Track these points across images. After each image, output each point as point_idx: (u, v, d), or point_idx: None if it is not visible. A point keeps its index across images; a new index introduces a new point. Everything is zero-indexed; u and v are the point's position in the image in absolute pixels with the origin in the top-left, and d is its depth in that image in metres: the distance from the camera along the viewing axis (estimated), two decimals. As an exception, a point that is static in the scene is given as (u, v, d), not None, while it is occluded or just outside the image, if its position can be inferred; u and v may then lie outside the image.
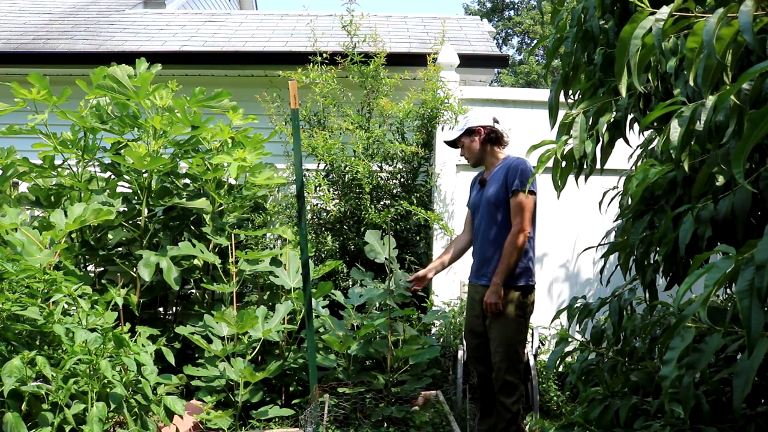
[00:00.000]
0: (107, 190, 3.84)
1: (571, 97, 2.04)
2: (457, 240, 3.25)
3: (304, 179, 4.28)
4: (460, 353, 3.58)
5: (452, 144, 3.13)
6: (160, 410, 2.79)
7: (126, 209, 3.87)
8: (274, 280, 3.64)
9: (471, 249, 3.14)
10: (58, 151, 3.70)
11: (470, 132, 3.01)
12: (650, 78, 1.60)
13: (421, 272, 3.15)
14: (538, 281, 4.46)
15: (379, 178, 4.43)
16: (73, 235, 3.70)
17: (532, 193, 2.85)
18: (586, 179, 1.92)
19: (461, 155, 3.11)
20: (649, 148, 2.22)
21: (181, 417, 2.95)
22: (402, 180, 4.54)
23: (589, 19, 1.78)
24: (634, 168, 2.25)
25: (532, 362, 3.56)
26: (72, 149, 3.72)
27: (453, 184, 4.38)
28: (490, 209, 2.91)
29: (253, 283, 4.08)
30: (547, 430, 3.07)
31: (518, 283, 2.85)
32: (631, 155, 2.35)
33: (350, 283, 4.30)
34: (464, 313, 3.20)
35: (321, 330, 3.56)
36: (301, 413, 3.17)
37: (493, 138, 3.00)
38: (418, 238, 4.47)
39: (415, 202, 4.36)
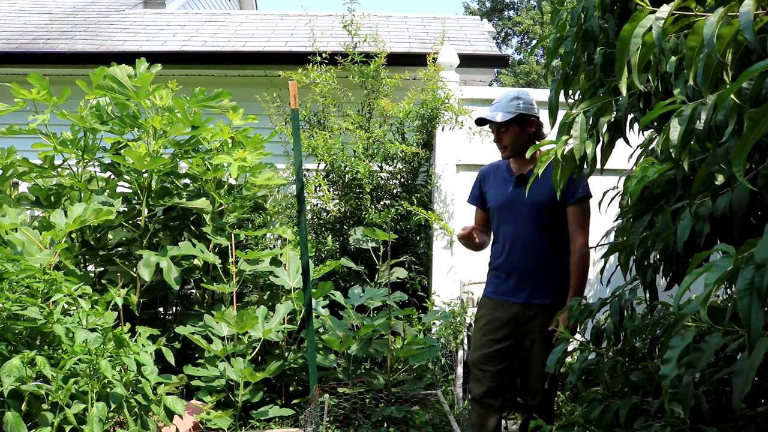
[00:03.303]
0: (107, 190, 3.84)
1: (571, 97, 2.04)
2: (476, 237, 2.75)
3: (304, 179, 4.28)
4: (461, 353, 3.58)
5: (482, 122, 2.60)
6: (160, 410, 2.79)
7: (126, 209, 3.87)
8: (274, 280, 3.64)
9: (496, 257, 2.64)
10: (58, 151, 3.70)
11: (522, 120, 2.51)
12: (650, 78, 1.60)
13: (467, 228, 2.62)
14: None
15: (380, 178, 4.43)
16: (73, 235, 3.70)
17: (590, 197, 2.52)
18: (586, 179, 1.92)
19: (496, 140, 2.58)
20: (650, 147, 2.22)
21: (181, 417, 2.95)
22: (402, 180, 4.54)
23: (589, 18, 1.78)
24: (634, 168, 2.25)
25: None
26: (72, 149, 3.72)
27: (453, 185, 4.38)
28: (539, 214, 2.48)
29: (253, 283, 4.08)
30: (548, 431, 3.05)
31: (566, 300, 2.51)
32: (631, 155, 2.34)
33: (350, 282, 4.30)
34: (475, 330, 2.66)
35: (321, 330, 3.56)
36: (301, 413, 3.17)
37: (540, 134, 2.58)
38: (418, 238, 4.47)
39: (415, 202, 4.36)
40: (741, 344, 1.48)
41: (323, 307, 3.66)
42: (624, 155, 2.38)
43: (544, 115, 2.13)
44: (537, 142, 2.54)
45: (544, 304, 2.47)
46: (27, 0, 7.51)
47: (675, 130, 1.31)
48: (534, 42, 21.35)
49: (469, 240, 2.61)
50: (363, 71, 4.58)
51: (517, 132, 2.52)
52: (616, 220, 2.28)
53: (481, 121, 2.59)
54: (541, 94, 4.48)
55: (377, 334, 3.54)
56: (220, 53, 5.44)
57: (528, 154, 1.95)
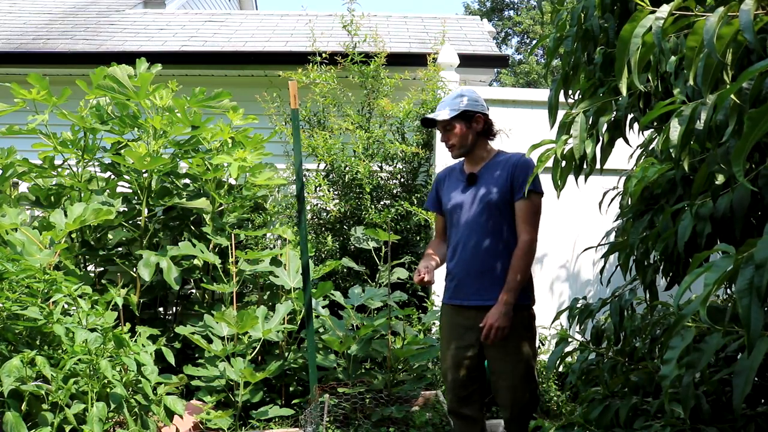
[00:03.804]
0: (107, 190, 3.84)
1: (571, 96, 2.04)
2: (434, 245, 2.67)
3: (305, 179, 4.28)
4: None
5: (431, 123, 2.53)
6: (160, 410, 2.79)
7: (126, 209, 3.87)
8: (274, 280, 3.64)
9: (449, 260, 2.54)
10: (58, 151, 3.70)
11: (467, 117, 2.43)
12: (650, 77, 1.61)
13: (428, 266, 2.48)
14: (537, 282, 4.45)
15: (380, 178, 4.43)
16: (73, 235, 3.70)
17: (541, 194, 2.40)
18: (586, 179, 1.92)
19: (444, 140, 2.50)
20: (650, 147, 2.22)
21: (181, 417, 2.96)
22: (402, 180, 4.54)
23: (589, 18, 1.78)
24: (634, 168, 2.25)
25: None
26: (72, 149, 3.72)
27: (453, 184, 4.37)
28: (489, 212, 2.37)
29: (253, 283, 4.08)
30: (547, 430, 3.05)
31: (527, 301, 2.38)
32: (631, 155, 2.35)
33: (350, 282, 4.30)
34: (440, 340, 2.55)
35: (321, 330, 3.56)
36: (301, 413, 3.17)
37: (488, 130, 2.49)
38: (418, 238, 4.47)
39: (415, 202, 4.36)
40: (741, 344, 1.48)
41: (323, 307, 3.66)
42: (624, 155, 2.38)
43: (544, 115, 2.12)
44: (489, 141, 2.51)
45: None
46: (27, 0, 7.51)
47: (675, 130, 1.31)
48: (534, 42, 21.34)
49: (429, 277, 2.42)
50: (363, 71, 4.58)
51: (463, 130, 2.43)
52: (616, 220, 2.28)
53: (427, 122, 2.53)
54: (541, 94, 4.48)
55: (377, 334, 3.54)
56: (220, 53, 5.44)
57: (527, 154, 1.94)
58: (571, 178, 1.85)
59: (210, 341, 3.43)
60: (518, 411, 2.36)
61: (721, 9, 1.13)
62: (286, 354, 3.61)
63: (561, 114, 1.89)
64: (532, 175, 1.91)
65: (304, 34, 5.66)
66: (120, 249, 3.95)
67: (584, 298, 2.17)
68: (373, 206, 4.32)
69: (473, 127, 2.44)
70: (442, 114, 2.43)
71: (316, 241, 4.30)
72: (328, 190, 4.39)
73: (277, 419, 3.38)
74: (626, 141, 1.95)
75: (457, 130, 2.43)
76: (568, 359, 3.33)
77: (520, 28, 22.10)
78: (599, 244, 2.49)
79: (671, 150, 1.32)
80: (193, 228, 3.99)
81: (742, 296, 0.98)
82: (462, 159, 2.56)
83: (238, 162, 3.60)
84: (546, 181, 3.50)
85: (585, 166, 1.83)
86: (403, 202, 4.26)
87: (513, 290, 2.27)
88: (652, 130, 2.05)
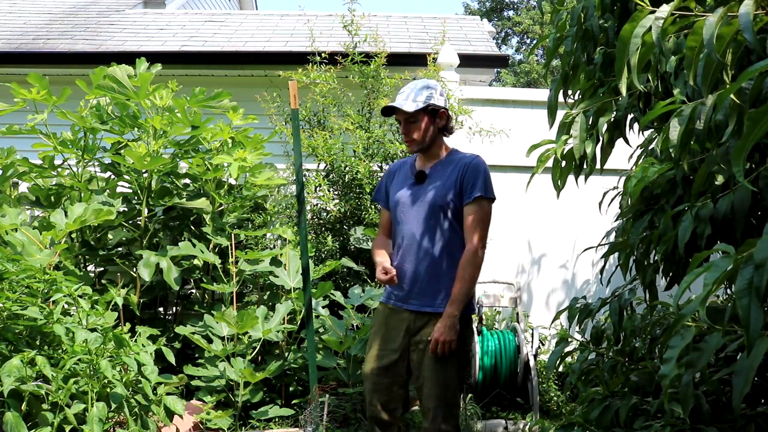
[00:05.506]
0: (107, 190, 3.84)
1: (571, 96, 2.05)
2: (380, 243, 2.47)
3: (305, 179, 4.28)
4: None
5: (388, 112, 2.38)
6: (160, 410, 2.79)
7: (126, 209, 3.87)
8: (274, 280, 3.64)
9: (392, 260, 2.37)
10: (58, 151, 3.70)
11: (433, 111, 2.30)
12: (650, 77, 1.61)
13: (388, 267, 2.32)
14: (537, 282, 4.47)
15: (379, 178, 4.43)
16: (73, 235, 3.70)
17: (491, 199, 2.26)
18: (586, 179, 1.92)
19: (404, 132, 2.33)
20: (649, 147, 2.23)
21: (181, 417, 2.96)
22: (402, 180, 4.54)
23: (589, 18, 1.78)
24: (634, 168, 2.25)
25: (532, 362, 3.55)
26: (72, 149, 3.72)
27: (453, 184, 4.37)
28: (434, 215, 2.25)
29: (253, 283, 4.08)
30: (547, 430, 3.04)
31: (467, 311, 2.23)
32: (631, 155, 2.35)
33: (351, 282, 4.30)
34: (369, 341, 2.40)
35: (321, 330, 3.56)
36: (301, 413, 3.17)
37: (449, 128, 2.37)
38: (418, 238, 4.47)
39: (415, 202, 4.36)
40: (741, 344, 1.48)
41: (323, 307, 3.66)
42: (624, 155, 2.39)
43: (544, 115, 2.11)
44: (444, 137, 2.39)
45: (436, 313, 2.22)
46: (27, 0, 7.51)
47: (675, 130, 1.31)
48: (534, 42, 21.33)
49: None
50: (363, 71, 4.57)
51: (426, 124, 2.29)
52: (616, 220, 2.28)
53: (387, 111, 2.38)
54: (541, 94, 4.49)
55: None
56: (220, 53, 5.44)
57: (527, 154, 1.94)
58: (571, 178, 1.85)
59: (210, 341, 3.44)
60: (437, 421, 2.20)
61: (721, 9, 1.14)
62: (286, 354, 3.61)
63: (561, 114, 1.89)
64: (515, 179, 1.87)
65: (304, 34, 5.66)
66: (120, 249, 3.95)
67: (584, 298, 2.18)
68: (373, 206, 4.32)
69: (436, 123, 2.32)
70: (409, 105, 2.27)
71: (316, 241, 4.30)
72: (328, 190, 4.39)
73: (277, 419, 3.38)
74: (626, 141, 1.95)
75: (422, 123, 2.29)
76: (568, 359, 3.33)
77: (520, 28, 22.10)
78: (599, 245, 2.49)
79: (671, 150, 1.32)
80: (193, 228, 3.99)
81: (742, 296, 0.98)
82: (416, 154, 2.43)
83: (238, 162, 3.60)
84: (546, 180, 3.50)
85: (585, 166, 1.83)
86: (403, 202, 4.25)
87: (458, 302, 2.16)
88: (652, 130, 2.05)
